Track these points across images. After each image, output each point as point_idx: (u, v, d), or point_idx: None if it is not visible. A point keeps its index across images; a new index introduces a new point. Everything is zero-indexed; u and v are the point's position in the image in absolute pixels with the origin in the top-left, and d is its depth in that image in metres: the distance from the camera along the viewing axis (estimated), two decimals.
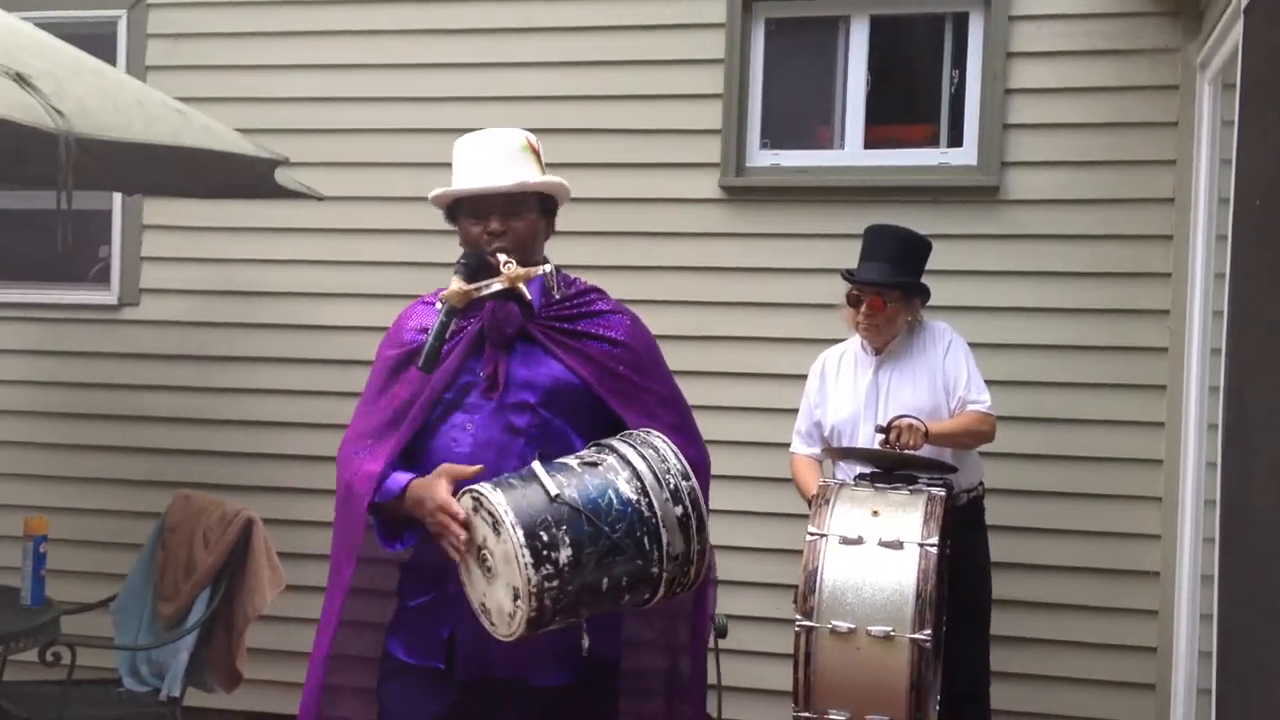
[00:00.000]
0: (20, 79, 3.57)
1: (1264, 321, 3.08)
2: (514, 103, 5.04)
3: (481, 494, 2.33)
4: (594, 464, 2.41)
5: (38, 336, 5.53)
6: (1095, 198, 4.65)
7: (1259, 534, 3.00)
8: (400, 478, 2.56)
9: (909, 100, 5.35)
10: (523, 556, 2.25)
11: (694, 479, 2.42)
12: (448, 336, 2.52)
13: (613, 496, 2.36)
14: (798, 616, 3.43)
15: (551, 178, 2.65)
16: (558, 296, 2.67)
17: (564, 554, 2.28)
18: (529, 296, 2.58)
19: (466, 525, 2.39)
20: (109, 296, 5.49)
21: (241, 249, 5.35)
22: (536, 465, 2.39)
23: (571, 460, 2.44)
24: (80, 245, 5.68)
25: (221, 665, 4.33)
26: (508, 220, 2.60)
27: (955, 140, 4.93)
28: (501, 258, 2.54)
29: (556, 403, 2.61)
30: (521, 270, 2.55)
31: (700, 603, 2.77)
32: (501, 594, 2.32)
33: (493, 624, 2.38)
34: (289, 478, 5.16)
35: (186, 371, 5.38)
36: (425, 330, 2.62)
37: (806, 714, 3.42)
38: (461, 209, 2.64)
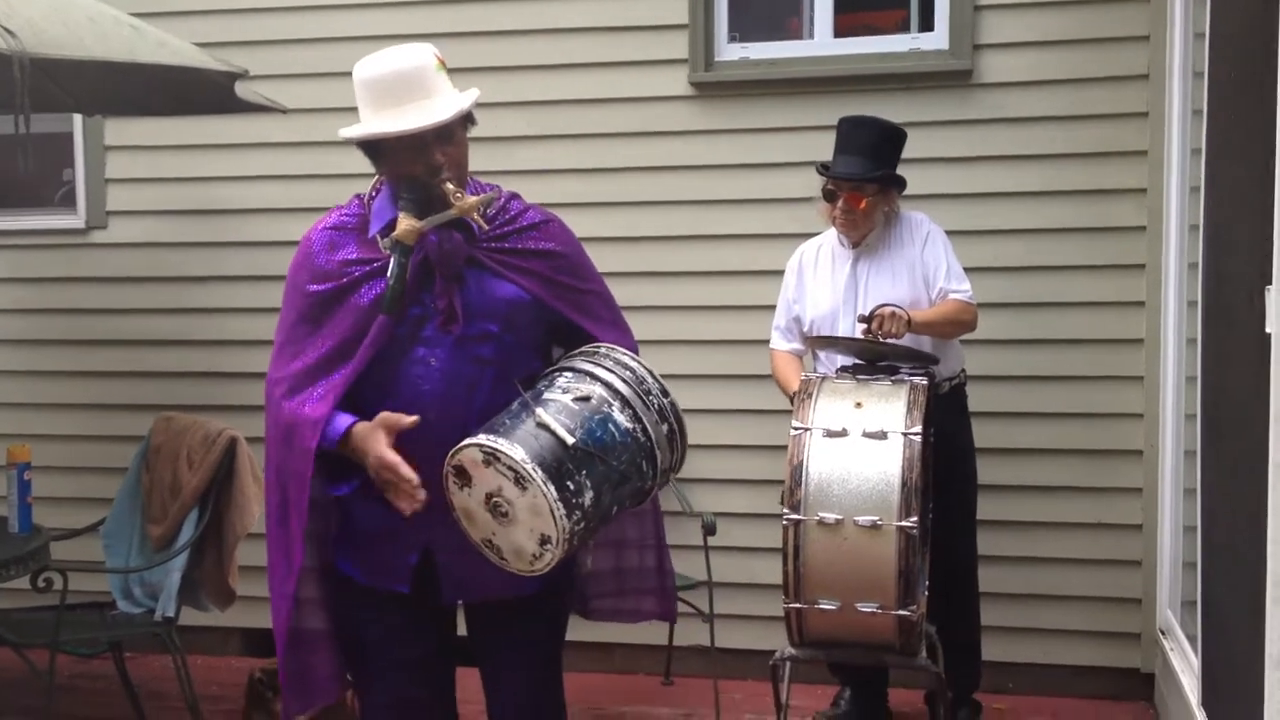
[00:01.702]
0: None
1: (1240, 196, 3.07)
2: (473, 4, 4.93)
3: (497, 449, 2.32)
4: (585, 398, 2.44)
5: (6, 263, 5.45)
6: (1069, 77, 4.58)
7: (1238, 408, 3.02)
8: (342, 421, 2.52)
9: None
10: (558, 510, 2.30)
11: (671, 394, 2.52)
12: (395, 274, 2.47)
13: (614, 430, 2.43)
14: (785, 510, 3.45)
15: (470, 91, 2.57)
16: (491, 213, 2.61)
17: (588, 496, 2.36)
18: (482, 224, 2.55)
19: (460, 475, 2.38)
20: (76, 220, 5.40)
21: (207, 166, 5.25)
22: (541, 412, 2.39)
23: (561, 395, 2.45)
24: (43, 169, 5.59)
25: (214, 584, 4.34)
26: (445, 148, 2.51)
27: (926, 24, 4.84)
28: (450, 188, 2.49)
29: (515, 325, 2.60)
30: (474, 199, 2.52)
31: (655, 501, 2.81)
32: (522, 538, 2.37)
33: (503, 559, 2.43)
34: None
35: (159, 293, 5.32)
36: (358, 264, 2.58)
37: (797, 605, 3.46)
38: (389, 145, 2.52)
